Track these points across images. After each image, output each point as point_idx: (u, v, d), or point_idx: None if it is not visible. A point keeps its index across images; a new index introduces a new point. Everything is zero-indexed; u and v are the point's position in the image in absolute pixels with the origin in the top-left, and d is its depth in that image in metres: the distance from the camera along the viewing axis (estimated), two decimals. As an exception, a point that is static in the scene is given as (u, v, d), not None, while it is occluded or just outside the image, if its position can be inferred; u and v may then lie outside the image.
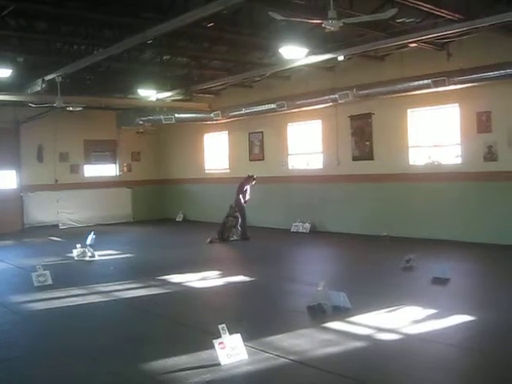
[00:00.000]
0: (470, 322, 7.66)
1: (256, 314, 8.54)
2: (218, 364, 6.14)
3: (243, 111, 19.31)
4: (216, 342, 6.27)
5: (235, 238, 16.67)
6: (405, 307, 8.36)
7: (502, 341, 6.91)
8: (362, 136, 16.89)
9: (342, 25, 8.79)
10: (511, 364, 6.12)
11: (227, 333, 6.34)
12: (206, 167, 22.84)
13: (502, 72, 13.18)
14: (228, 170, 21.69)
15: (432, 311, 8.09)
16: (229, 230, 16.74)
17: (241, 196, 16.61)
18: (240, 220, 16.68)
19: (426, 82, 14.25)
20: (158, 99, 18.37)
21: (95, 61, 13.72)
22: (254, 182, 16.98)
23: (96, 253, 14.01)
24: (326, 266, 13.05)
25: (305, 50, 12.21)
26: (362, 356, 6.47)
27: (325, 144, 18.11)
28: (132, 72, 16.91)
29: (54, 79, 14.81)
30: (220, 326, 6.35)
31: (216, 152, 22.48)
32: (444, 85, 13.96)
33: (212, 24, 12.14)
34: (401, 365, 6.17)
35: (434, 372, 5.96)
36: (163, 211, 24.13)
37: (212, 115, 20.29)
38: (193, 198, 23.07)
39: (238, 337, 6.41)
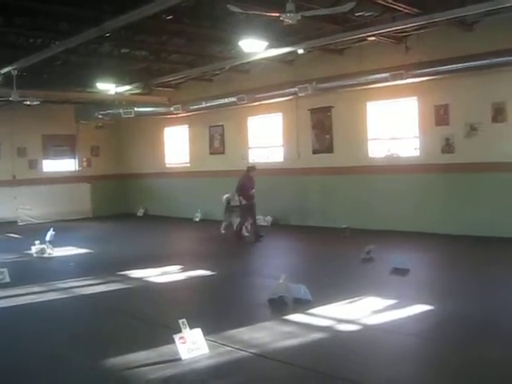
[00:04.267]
0: (429, 311, 7.78)
1: (217, 307, 8.54)
2: (179, 359, 6.10)
3: (203, 105, 19.24)
4: (176, 337, 6.24)
5: (246, 233, 15.51)
6: (365, 298, 8.45)
7: (459, 330, 7.02)
8: (322, 129, 16.98)
9: (299, 18, 8.80)
10: (468, 353, 6.22)
11: (187, 327, 6.32)
12: (167, 161, 22.73)
13: (459, 66, 13.41)
14: (189, 164, 21.61)
15: (392, 302, 8.19)
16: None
17: (240, 197, 15.06)
18: (248, 219, 15.30)
19: (384, 75, 14.40)
20: (116, 93, 18.15)
21: (52, 54, 13.48)
22: (255, 172, 15.36)
23: (55, 249, 13.80)
24: (287, 259, 13.12)
25: (264, 44, 12.17)
26: (323, 347, 6.51)
27: (285, 137, 18.17)
28: (90, 65, 16.61)
29: (9, 72, 14.51)
30: (180, 321, 6.32)
31: (176, 146, 22.36)
32: (402, 78, 14.13)
33: (171, 17, 12.04)
34: (361, 355, 6.22)
35: (394, 362, 6.05)
36: (124, 206, 23.89)
37: (172, 109, 20.16)
38: (154, 192, 22.91)
39: (198, 331, 6.38)
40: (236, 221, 15.69)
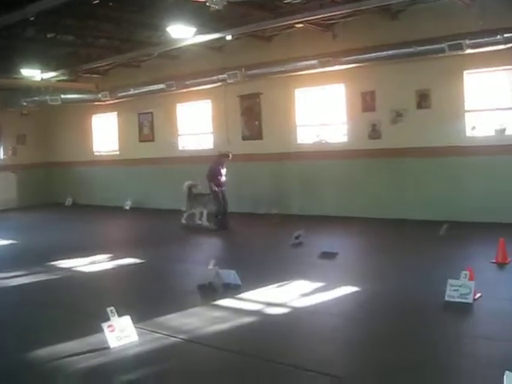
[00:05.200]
0: (354, 292, 8.01)
1: (146, 295, 8.50)
2: (108, 347, 6.07)
3: (132, 91, 18.96)
4: (105, 326, 6.19)
5: (212, 226, 14.63)
6: (293, 282, 8.59)
7: (382, 309, 7.28)
8: (251, 116, 17.05)
9: (226, 3, 8.79)
10: (390, 331, 6.44)
11: (116, 315, 6.28)
12: (95, 149, 22.31)
13: (385, 53, 13.70)
14: (118, 152, 21.30)
15: (319, 284, 8.37)
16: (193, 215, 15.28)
17: (212, 184, 14.38)
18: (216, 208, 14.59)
19: (312, 62, 14.55)
20: (42, 79, 17.66)
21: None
22: (229, 158, 14.80)
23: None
24: (218, 245, 13.19)
25: (193, 30, 12.13)
26: (252, 331, 6.60)
27: (215, 124, 18.15)
28: (14, 50, 16.10)
29: None
30: (108, 309, 6.28)
31: (105, 133, 21.98)
32: (330, 65, 14.32)
33: (97, 1, 11.81)
34: (289, 337, 6.34)
35: (321, 342, 6.19)
36: (51, 196, 23.27)
37: (100, 96, 19.75)
38: (82, 181, 22.46)
39: (127, 319, 6.36)
40: (198, 210, 15.13)
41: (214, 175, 14.46)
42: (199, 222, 15.05)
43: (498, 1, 11.97)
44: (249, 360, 5.73)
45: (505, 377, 4.34)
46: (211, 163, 14.75)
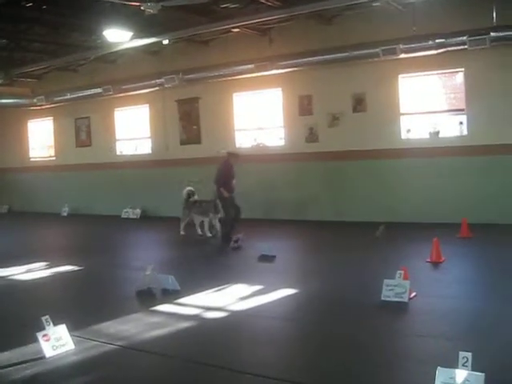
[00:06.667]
0: (293, 294, 8.10)
1: (83, 302, 8.36)
2: (43, 357, 5.94)
3: (68, 96, 18.68)
4: (40, 335, 6.07)
5: (209, 234, 13.36)
6: (232, 285, 8.62)
7: (320, 310, 7.38)
8: (189, 120, 17.03)
9: (160, 7, 8.78)
10: (327, 332, 6.52)
11: (51, 324, 6.16)
12: (31, 155, 21.87)
13: (320, 58, 13.94)
14: (54, 158, 20.93)
15: (258, 287, 8.41)
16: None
17: (222, 189, 12.42)
18: (224, 215, 12.82)
19: (249, 66, 14.67)
20: (-25, 84, 17.23)
21: None
22: (239, 158, 13.01)
23: None
24: (156, 251, 13.08)
25: (129, 34, 12.04)
26: (190, 336, 6.57)
27: (153, 129, 18.05)
28: None
29: None
30: (43, 318, 6.15)
31: (41, 139, 21.58)
32: (266, 69, 14.46)
33: (31, 4, 11.59)
34: (228, 341, 6.35)
35: (259, 345, 6.22)
36: (-15, 203, 22.71)
37: (35, 100, 19.41)
38: (18, 187, 21.93)
39: (63, 327, 6.25)
40: (198, 219, 13.63)
41: (224, 179, 12.52)
42: (200, 233, 13.55)
43: (430, 7, 12.30)
44: (187, 365, 5.71)
45: (437, 372, 4.50)
46: (220, 165, 12.80)
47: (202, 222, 13.56)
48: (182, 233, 13.73)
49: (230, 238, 12.10)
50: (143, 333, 6.63)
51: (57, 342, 6.12)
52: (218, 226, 13.10)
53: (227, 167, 12.62)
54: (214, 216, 13.11)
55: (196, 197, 13.78)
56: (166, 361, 5.85)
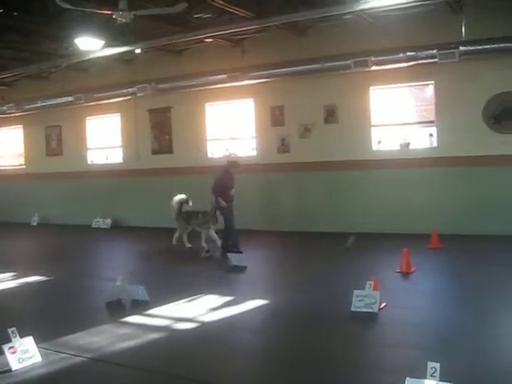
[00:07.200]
0: (263, 305, 8.07)
1: (51, 314, 8.21)
2: (9, 370, 5.83)
3: (39, 104, 18.47)
4: (6, 347, 5.96)
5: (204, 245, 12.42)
6: (203, 296, 8.57)
7: (290, 321, 7.37)
8: (161, 130, 16.97)
9: (132, 16, 8.75)
10: (297, 343, 6.52)
11: (18, 336, 6.06)
12: (0, 163, 21.60)
13: (293, 69, 14.04)
14: (24, 166, 20.67)
15: (228, 298, 8.38)
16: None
17: (219, 199, 12.08)
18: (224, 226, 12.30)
19: (222, 76, 14.69)
20: None
21: None
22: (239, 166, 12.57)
23: None
24: (127, 261, 12.98)
25: (101, 42, 11.99)
26: (160, 347, 6.51)
27: (124, 138, 17.95)
28: None
29: None
30: (10, 330, 6.05)
31: (10, 147, 21.31)
32: (239, 80, 14.49)
33: (1, 10, 11.46)
34: (197, 353, 6.29)
35: (229, 356, 6.19)
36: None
37: (5, 108, 19.15)
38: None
39: (30, 339, 6.14)
40: (184, 230, 12.93)
41: (222, 188, 12.20)
42: (189, 246, 12.85)
43: (401, 20, 12.48)
44: (157, 377, 5.65)
45: (406, 382, 4.56)
46: (218, 173, 12.43)
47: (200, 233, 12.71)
48: (174, 243, 12.98)
49: (231, 249, 11.69)
50: (112, 345, 6.55)
51: (23, 354, 6.01)
52: (215, 237, 12.48)
53: (227, 176, 12.30)
54: (213, 228, 12.56)
55: (190, 203, 13.01)
56: (136, 373, 5.79)
